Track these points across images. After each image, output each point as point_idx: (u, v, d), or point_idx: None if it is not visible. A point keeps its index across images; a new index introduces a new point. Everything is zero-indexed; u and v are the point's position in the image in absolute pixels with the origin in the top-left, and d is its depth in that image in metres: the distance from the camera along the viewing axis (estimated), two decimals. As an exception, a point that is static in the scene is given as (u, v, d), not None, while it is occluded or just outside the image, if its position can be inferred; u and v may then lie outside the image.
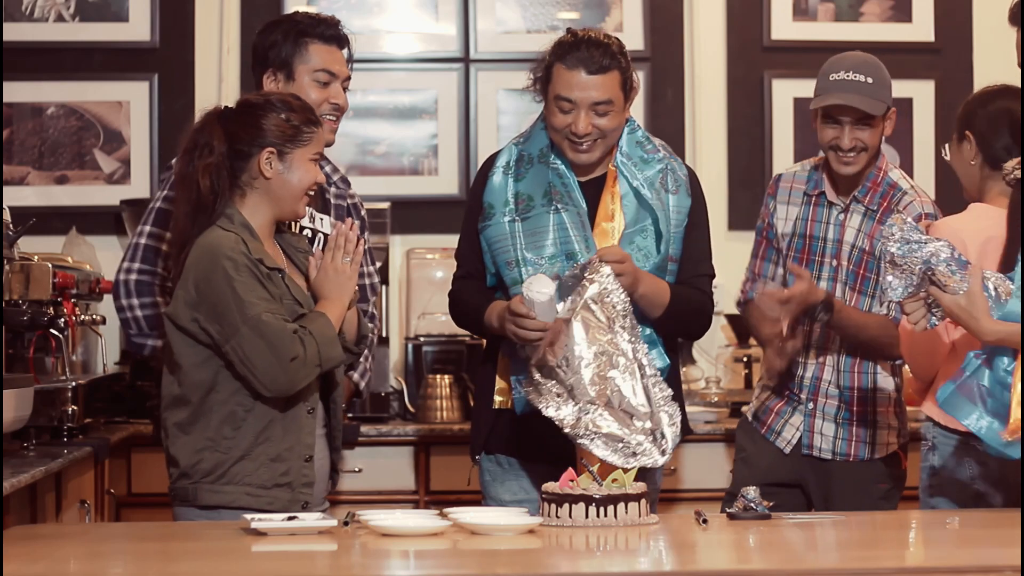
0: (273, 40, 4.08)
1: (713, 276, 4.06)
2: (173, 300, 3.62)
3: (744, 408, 4.58)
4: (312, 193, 3.70)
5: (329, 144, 4.12)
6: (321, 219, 4.11)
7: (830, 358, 4.33)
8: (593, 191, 3.99)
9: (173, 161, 3.89)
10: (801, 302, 4.19)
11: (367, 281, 4.31)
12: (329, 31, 4.10)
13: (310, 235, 4.04)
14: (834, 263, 4.31)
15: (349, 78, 4.15)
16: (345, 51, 4.13)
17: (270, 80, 4.08)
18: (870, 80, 4.20)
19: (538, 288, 3.77)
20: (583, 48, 3.90)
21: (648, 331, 3.92)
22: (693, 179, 4.05)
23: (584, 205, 3.97)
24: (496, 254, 3.99)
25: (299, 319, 3.59)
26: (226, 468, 3.58)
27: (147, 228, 4.05)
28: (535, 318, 3.76)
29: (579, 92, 3.89)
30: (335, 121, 4.10)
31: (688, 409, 4.15)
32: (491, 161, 4.08)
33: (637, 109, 4.70)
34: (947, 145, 4.05)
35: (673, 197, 3.98)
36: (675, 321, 3.97)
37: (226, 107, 3.70)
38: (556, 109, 3.93)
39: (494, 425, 4.03)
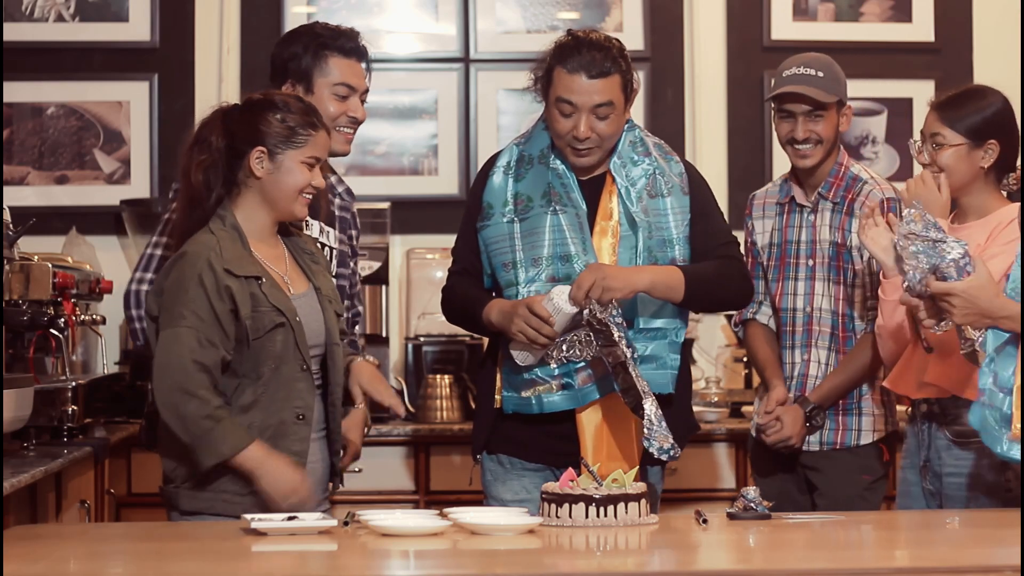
0: (293, 52, 4.05)
1: (738, 243, 4.07)
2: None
3: (749, 419, 4.61)
4: (310, 195, 3.68)
5: (344, 154, 4.11)
6: (327, 232, 4.10)
7: (815, 352, 4.39)
8: (593, 190, 3.98)
9: None
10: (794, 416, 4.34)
11: (348, 281, 4.21)
12: (349, 44, 4.07)
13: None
14: (810, 263, 4.39)
15: (367, 91, 4.12)
16: (364, 63, 4.11)
17: (289, 91, 4.04)
18: (820, 74, 4.31)
19: (569, 298, 3.79)
20: (584, 51, 3.89)
21: (661, 358, 3.94)
22: (691, 174, 4.04)
23: (584, 206, 3.96)
24: (493, 255, 3.99)
25: (250, 382, 3.55)
26: (204, 474, 3.55)
27: (159, 239, 4.05)
28: (554, 325, 3.78)
29: (580, 96, 3.88)
30: (351, 133, 4.08)
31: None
32: (492, 161, 4.07)
33: (637, 109, 4.70)
34: (918, 142, 4.03)
35: (668, 200, 3.97)
36: (706, 296, 3.96)
37: (233, 104, 3.70)
38: (557, 112, 3.92)
39: (496, 425, 4.02)
